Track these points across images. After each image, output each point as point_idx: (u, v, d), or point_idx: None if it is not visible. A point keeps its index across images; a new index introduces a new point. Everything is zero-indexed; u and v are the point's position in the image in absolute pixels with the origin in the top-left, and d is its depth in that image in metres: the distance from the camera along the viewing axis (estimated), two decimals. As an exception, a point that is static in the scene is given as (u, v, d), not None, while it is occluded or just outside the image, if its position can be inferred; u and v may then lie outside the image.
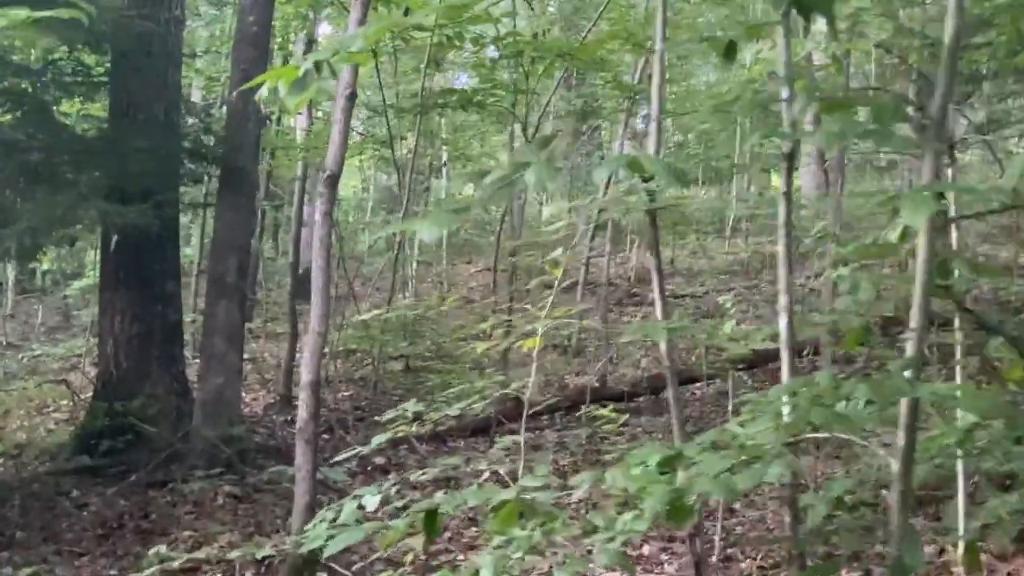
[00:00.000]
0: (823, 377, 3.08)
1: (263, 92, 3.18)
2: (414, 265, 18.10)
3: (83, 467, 10.02)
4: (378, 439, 5.42)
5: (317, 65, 3.03)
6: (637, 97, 11.09)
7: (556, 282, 5.41)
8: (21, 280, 22.24)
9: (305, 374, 7.64)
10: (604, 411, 7.62)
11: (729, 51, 3.58)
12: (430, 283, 21.11)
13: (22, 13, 3.13)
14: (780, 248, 3.73)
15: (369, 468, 9.84)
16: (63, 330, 19.28)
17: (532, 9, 13.52)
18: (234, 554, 6.27)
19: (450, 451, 10.38)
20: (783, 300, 3.74)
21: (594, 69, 10.79)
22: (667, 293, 13.85)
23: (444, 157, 21.36)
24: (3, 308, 21.80)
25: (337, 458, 7.42)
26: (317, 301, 7.78)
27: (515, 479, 4.38)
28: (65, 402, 12.78)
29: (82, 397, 12.00)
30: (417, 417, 5.53)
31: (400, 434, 5.77)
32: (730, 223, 19.99)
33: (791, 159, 3.67)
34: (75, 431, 10.82)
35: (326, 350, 14.34)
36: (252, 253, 16.29)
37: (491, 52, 12.17)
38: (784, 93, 3.67)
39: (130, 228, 9.78)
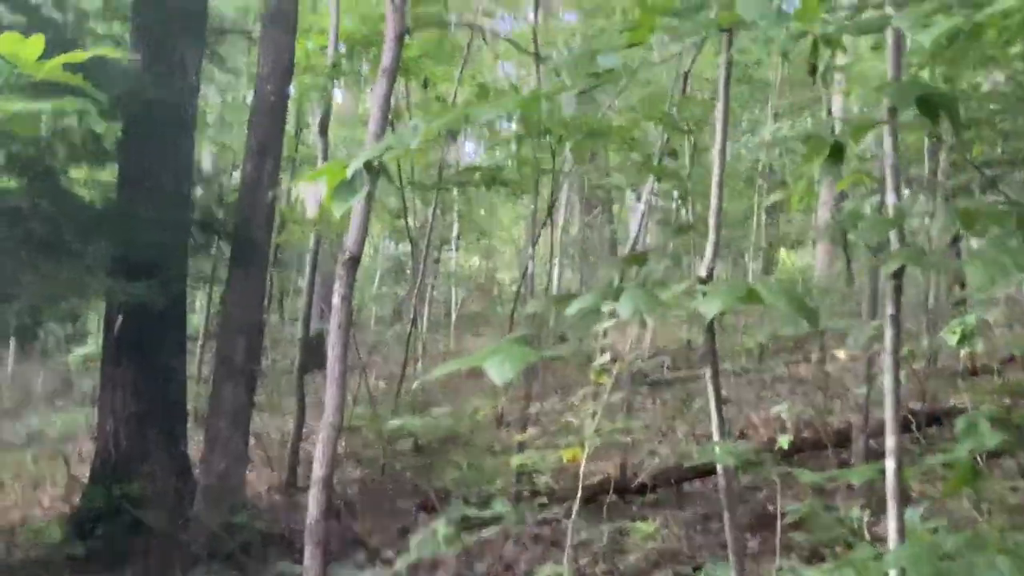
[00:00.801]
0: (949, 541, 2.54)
1: (311, 208, 2.66)
2: (423, 340, 17.57)
3: (77, 554, 9.42)
4: (403, 562, 4.86)
5: (368, 166, 2.52)
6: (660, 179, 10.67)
7: (605, 393, 4.88)
8: (21, 341, 21.71)
9: (317, 468, 7.07)
10: (641, 526, 7.01)
11: (836, 154, 3.07)
12: (439, 356, 20.59)
13: (15, 105, 2.63)
14: (887, 382, 3.20)
15: (377, 564, 9.23)
16: (63, 396, 18.69)
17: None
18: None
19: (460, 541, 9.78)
20: (890, 442, 3.21)
21: (624, 148, 10.33)
22: (681, 378, 13.21)
23: (456, 228, 20.93)
24: (3, 371, 21.26)
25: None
26: (332, 392, 7.23)
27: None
28: (62, 477, 12.18)
29: (79, 477, 11.41)
30: (449, 540, 4.96)
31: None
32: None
33: (898, 277, 3.15)
34: (70, 513, 10.22)
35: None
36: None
37: (505, 125, 11.76)
38: (891, 198, 3.16)
39: (135, 302, 9.28)
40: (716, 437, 4.76)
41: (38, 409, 17.06)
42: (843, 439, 11.44)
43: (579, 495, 4.73)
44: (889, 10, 2.65)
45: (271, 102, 9.79)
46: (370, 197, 7.42)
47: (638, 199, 17.36)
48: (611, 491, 10.63)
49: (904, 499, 3.16)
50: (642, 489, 10.81)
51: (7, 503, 11.93)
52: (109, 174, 11.27)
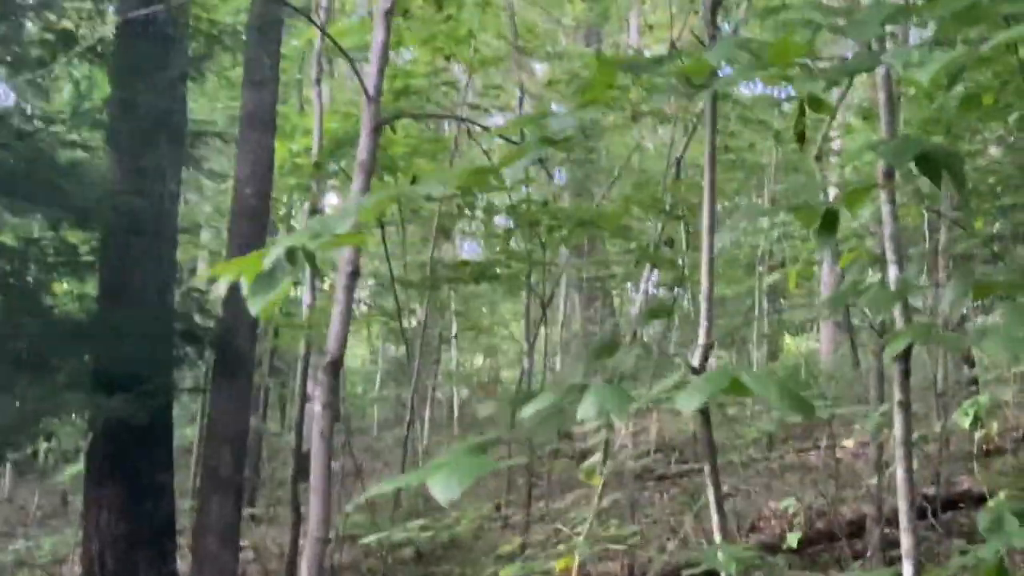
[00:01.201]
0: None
1: (220, 289, 2.32)
2: (424, 442, 17.11)
3: None
4: None
5: (290, 254, 2.18)
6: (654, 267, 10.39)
7: (596, 500, 4.50)
8: (20, 461, 21.23)
9: (303, 587, 6.67)
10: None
11: (828, 223, 2.73)
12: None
13: None
14: (900, 473, 2.83)
15: None
16: (60, 516, 18.20)
17: (549, 176, 12.84)
18: None
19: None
20: (907, 542, 2.83)
21: (615, 237, 10.02)
22: (688, 471, 12.76)
23: (454, 328, 20.56)
24: (1, 492, 20.80)
25: None
26: (316, 504, 6.82)
27: None
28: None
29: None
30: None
31: None
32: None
33: (904, 360, 2.79)
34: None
35: (330, 535, 13.37)
36: (255, 434, 15.38)
37: (501, 220, 11.46)
38: (893, 271, 2.82)
39: (115, 419, 8.93)
40: (717, 538, 4.37)
41: (30, 530, 16.57)
42: (857, 529, 10.96)
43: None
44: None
45: (252, 205, 9.51)
46: (349, 298, 7.08)
47: (637, 291, 17.06)
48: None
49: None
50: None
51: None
52: (93, 287, 10.97)
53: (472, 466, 2.00)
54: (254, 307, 2.15)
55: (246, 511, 13.66)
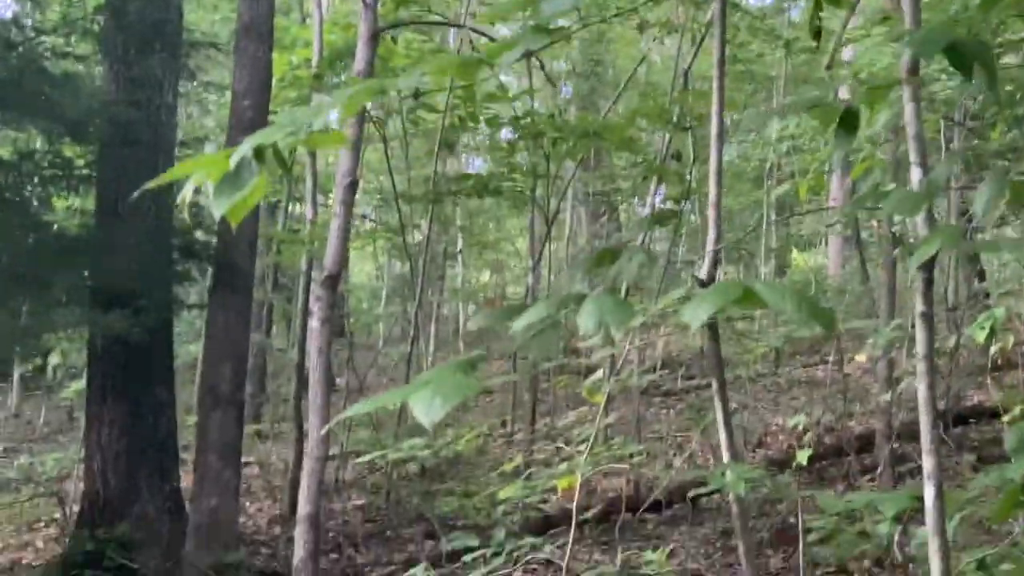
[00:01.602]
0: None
1: (187, 192, 2.12)
2: (430, 359, 16.96)
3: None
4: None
5: (258, 153, 1.96)
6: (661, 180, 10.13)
7: (599, 416, 4.32)
8: (27, 376, 21.17)
9: (303, 505, 6.53)
10: (652, 555, 6.38)
11: (848, 121, 2.51)
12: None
13: None
14: (921, 390, 2.64)
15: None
16: (66, 432, 18.16)
17: (554, 86, 12.54)
18: None
19: (465, 571, 9.20)
20: (929, 464, 2.64)
21: (620, 150, 9.76)
22: (695, 386, 12.57)
23: (460, 243, 20.34)
24: (8, 407, 20.76)
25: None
26: (315, 421, 6.68)
27: None
28: (57, 516, 11.62)
29: (73, 512, 10.85)
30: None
31: None
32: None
33: (928, 269, 2.59)
34: (59, 558, 9.68)
35: (334, 451, 13.25)
36: (258, 350, 15.25)
37: (506, 134, 11.18)
38: (917, 174, 2.60)
39: (115, 336, 8.78)
40: (725, 456, 4.20)
41: (36, 446, 16.53)
42: (865, 445, 10.85)
43: (573, 525, 4.18)
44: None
45: (249, 118, 9.23)
46: (348, 212, 6.88)
47: (643, 206, 16.85)
48: (623, 510, 10.07)
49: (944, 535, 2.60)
50: (657, 506, 10.20)
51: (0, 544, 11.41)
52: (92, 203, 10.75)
53: (457, 386, 1.81)
54: (218, 209, 1.95)
55: (251, 427, 13.57)
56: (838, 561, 7.23)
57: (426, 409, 1.77)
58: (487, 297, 25.84)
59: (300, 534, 6.55)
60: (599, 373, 4.25)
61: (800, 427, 6.41)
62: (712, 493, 10.18)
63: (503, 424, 14.58)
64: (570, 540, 4.24)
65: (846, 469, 10.57)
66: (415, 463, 12.49)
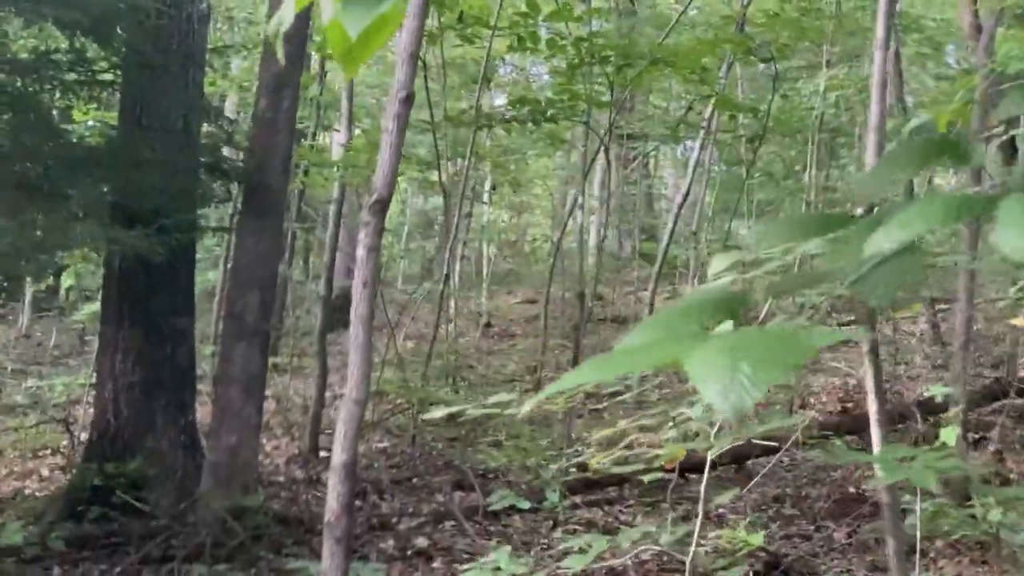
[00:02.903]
0: None
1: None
2: (455, 299, 16.19)
3: (71, 536, 8.11)
4: None
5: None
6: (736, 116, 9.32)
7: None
8: (40, 298, 20.42)
9: (338, 452, 5.66)
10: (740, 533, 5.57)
11: None
12: (468, 315, 19.22)
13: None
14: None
15: (409, 553, 7.92)
16: (77, 355, 17.42)
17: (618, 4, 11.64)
18: None
19: (502, 529, 8.46)
20: None
21: (691, 80, 8.85)
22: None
23: (488, 182, 19.46)
24: (18, 328, 20.04)
25: None
26: (356, 360, 5.80)
27: None
28: (65, 443, 10.86)
29: (81, 440, 10.11)
30: None
31: None
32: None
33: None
34: (65, 490, 8.93)
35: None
36: (281, 280, 14.45)
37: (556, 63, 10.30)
38: None
39: (134, 255, 7.98)
40: (876, 442, 3.42)
41: (45, 369, 15.79)
42: (934, 408, 10.03)
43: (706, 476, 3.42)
44: None
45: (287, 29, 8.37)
46: (402, 127, 6.07)
47: (684, 152, 15.99)
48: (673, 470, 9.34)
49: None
50: (702, 467, 9.42)
51: (4, 471, 10.68)
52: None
53: (778, 351, 1.00)
54: (353, 27, 1.14)
55: (269, 360, 12.81)
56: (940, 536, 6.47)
57: (729, 389, 0.96)
58: (508, 240, 25.07)
59: (333, 485, 5.67)
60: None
61: (939, 398, 5.61)
62: (762, 455, 9.50)
63: (533, 371, 13.81)
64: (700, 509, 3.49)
65: (914, 436, 9.82)
66: (442, 406, 11.78)
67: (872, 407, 3.35)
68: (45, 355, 17.36)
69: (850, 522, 7.94)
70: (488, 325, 18.39)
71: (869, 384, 3.34)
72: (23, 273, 8.55)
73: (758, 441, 8.46)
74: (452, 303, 15.07)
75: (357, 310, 5.99)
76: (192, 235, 9.02)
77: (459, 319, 17.33)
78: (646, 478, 4.18)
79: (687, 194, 12.21)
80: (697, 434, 3.89)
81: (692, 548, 3.51)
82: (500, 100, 19.15)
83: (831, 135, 16.40)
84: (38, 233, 7.30)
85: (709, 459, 3.71)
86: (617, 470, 3.74)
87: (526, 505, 7.34)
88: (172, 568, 7.51)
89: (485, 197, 20.47)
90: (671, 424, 3.76)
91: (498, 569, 3.06)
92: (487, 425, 11.21)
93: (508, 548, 3.25)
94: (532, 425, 11.25)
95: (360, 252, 6.00)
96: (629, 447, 4.03)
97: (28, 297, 19.82)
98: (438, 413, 3.69)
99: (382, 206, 6.03)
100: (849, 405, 11.67)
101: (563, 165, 21.60)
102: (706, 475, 3.83)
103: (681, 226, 13.57)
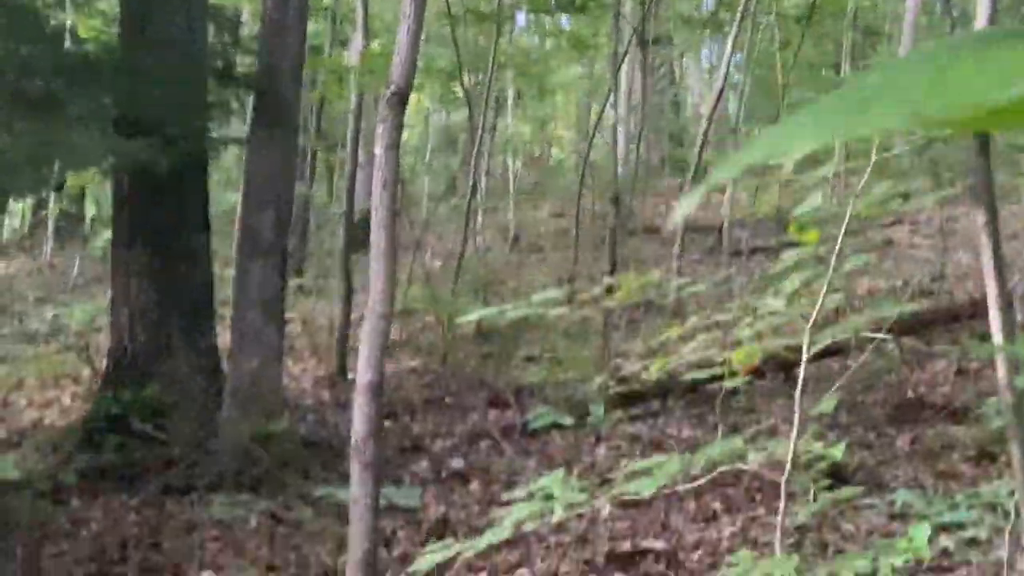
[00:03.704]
0: None
1: None
2: (481, 214, 15.59)
3: (89, 467, 7.65)
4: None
5: None
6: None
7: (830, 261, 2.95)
8: (63, 227, 19.93)
9: (363, 371, 5.12)
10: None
11: None
12: (495, 231, 18.60)
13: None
14: None
15: (444, 475, 7.42)
16: (100, 283, 16.91)
17: None
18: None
19: (541, 448, 7.93)
20: None
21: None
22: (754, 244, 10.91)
23: (510, 94, 18.71)
24: (42, 258, 19.59)
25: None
26: (378, 271, 5.23)
27: None
28: (86, 372, 10.36)
29: (102, 368, 9.61)
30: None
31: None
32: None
33: None
34: (83, 420, 8.45)
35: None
36: (301, 201, 13.88)
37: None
38: None
39: (144, 170, 7.41)
40: (996, 330, 2.84)
41: (68, 297, 15.29)
42: (977, 309, 9.43)
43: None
44: None
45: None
46: (421, 12, 5.44)
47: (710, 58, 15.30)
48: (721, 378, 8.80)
49: None
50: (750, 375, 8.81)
51: (24, 402, 10.23)
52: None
53: None
54: None
55: (293, 282, 12.29)
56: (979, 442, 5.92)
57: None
58: (531, 155, 24.36)
59: (360, 406, 5.16)
60: (815, 198, 2.86)
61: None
62: (812, 361, 8.93)
63: (570, 281, 13.22)
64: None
65: (955, 337, 9.23)
66: (472, 323, 11.22)
67: (991, 290, 2.77)
68: (68, 284, 16.88)
69: (911, 428, 7.38)
70: (516, 240, 17.78)
71: (987, 263, 2.76)
72: (17, 187, 7.99)
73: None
74: (479, 217, 14.46)
75: (378, 215, 5.40)
76: (202, 147, 8.42)
77: (486, 234, 16.74)
78: (726, 383, 3.59)
79: (722, 90, 11.53)
80: (775, 330, 3.31)
81: (787, 466, 2.93)
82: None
83: (864, 34, 15.65)
84: (34, 145, 6.72)
85: (805, 356, 3.12)
86: (687, 376, 3.16)
87: (568, 421, 6.80)
88: (194, 498, 7.05)
89: (509, 107, 19.72)
90: (750, 320, 3.17)
91: (550, 497, 2.49)
92: (520, 340, 10.68)
93: (561, 472, 2.67)
94: (568, 338, 10.71)
95: (378, 151, 5.39)
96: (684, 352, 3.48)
97: (51, 227, 19.36)
98: (473, 316, 3.14)
99: (400, 98, 5.40)
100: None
101: (587, 75, 20.80)
102: (801, 375, 3.25)
103: (712, 131, 12.93)
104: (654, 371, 3.28)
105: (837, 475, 6.53)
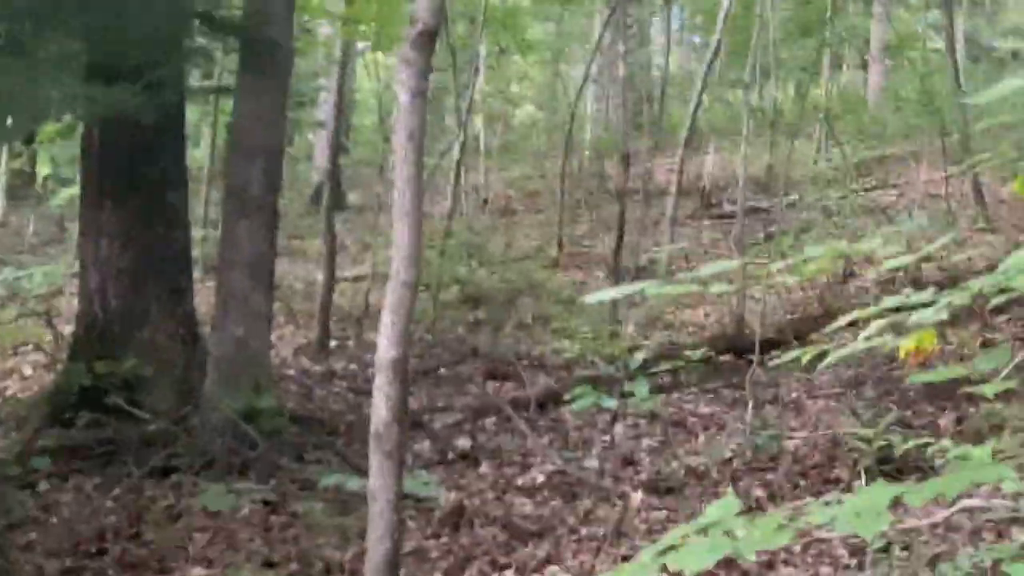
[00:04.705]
0: None
1: None
2: (463, 175, 14.81)
3: (58, 445, 6.89)
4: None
5: None
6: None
7: None
8: (16, 186, 18.94)
9: (386, 347, 4.41)
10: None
11: None
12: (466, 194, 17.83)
13: None
14: None
15: (450, 457, 6.74)
16: (57, 243, 16.02)
17: None
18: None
19: (552, 424, 7.29)
20: None
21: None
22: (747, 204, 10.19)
23: (483, 51, 17.85)
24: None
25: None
26: (403, 232, 4.48)
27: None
28: (48, 339, 9.52)
29: (65, 334, 8.79)
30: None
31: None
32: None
33: None
34: (49, 393, 7.67)
35: (366, 270, 11.22)
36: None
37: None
38: None
39: (123, 121, 6.66)
40: None
41: (24, 258, 14.37)
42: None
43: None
44: None
45: None
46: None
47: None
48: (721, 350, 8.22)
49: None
50: (765, 346, 8.15)
51: (-21, 371, 9.42)
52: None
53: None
54: None
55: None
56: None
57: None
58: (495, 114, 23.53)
59: (381, 387, 4.45)
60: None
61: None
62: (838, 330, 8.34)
63: (558, 245, 12.56)
64: None
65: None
66: (458, 287, 10.55)
67: None
68: (23, 244, 15.95)
69: (954, 406, 6.80)
70: (485, 203, 17.03)
71: None
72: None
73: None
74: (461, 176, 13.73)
75: (403, 170, 4.64)
76: (180, 96, 7.65)
77: (470, 199, 15.99)
78: (910, 377, 2.95)
79: (718, 46, 10.89)
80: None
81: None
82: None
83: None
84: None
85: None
86: (833, 357, 2.50)
87: (612, 404, 6.13)
88: (177, 482, 6.33)
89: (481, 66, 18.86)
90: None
91: (727, 533, 1.83)
92: (510, 307, 10.04)
93: (733, 499, 2.01)
94: (560, 305, 10.09)
95: (404, 98, 4.61)
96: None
97: (3, 185, 18.37)
98: (628, 290, 2.41)
99: (428, 38, 4.62)
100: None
101: (559, 32, 20.01)
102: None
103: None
104: (805, 359, 2.64)
105: (884, 458, 5.95)
